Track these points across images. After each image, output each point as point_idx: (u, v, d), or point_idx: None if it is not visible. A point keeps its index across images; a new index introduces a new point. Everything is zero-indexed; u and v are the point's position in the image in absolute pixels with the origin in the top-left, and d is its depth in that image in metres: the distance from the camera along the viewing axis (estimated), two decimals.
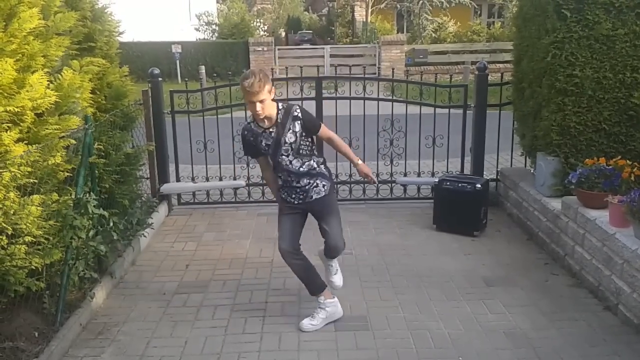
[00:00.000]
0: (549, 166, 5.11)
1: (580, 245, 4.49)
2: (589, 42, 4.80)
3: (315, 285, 4.04)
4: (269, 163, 3.97)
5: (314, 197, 3.89)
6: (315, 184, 3.88)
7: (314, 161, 3.89)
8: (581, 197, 4.53)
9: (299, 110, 3.82)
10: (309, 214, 4.01)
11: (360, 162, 4.03)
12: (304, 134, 3.82)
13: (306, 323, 3.94)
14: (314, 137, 3.94)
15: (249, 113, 3.86)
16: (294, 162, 3.82)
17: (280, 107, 3.82)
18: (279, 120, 3.78)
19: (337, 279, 4.20)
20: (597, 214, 4.32)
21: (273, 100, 3.76)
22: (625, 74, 4.79)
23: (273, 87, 3.72)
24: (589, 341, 3.68)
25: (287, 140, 3.77)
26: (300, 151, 3.83)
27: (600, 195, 4.32)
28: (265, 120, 3.77)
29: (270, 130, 3.79)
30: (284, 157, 3.81)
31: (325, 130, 3.97)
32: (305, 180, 3.86)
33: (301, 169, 3.83)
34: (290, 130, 3.78)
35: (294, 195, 3.91)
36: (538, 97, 5.21)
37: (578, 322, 3.92)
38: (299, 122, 3.79)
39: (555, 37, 4.84)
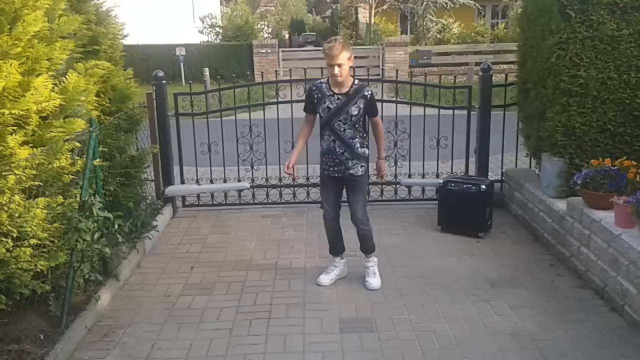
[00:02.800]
0: (554, 167, 5.10)
1: (585, 246, 4.47)
2: (593, 43, 4.78)
3: (337, 247, 4.70)
4: (312, 124, 4.51)
5: (351, 172, 4.39)
6: (355, 164, 4.38)
7: (359, 139, 4.38)
8: (586, 198, 4.52)
9: (369, 92, 4.33)
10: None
11: (383, 158, 4.63)
12: (365, 113, 4.35)
13: (322, 277, 4.64)
14: (370, 120, 4.49)
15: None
16: (347, 131, 4.32)
17: (356, 82, 4.33)
18: (350, 92, 4.27)
19: (373, 281, 4.57)
20: (602, 214, 4.30)
21: (352, 75, 4.36)
22: (630, 75, 4.78)
23: (352, 56, 4.22)
24: (596, 342, 3.67)
25: (350, 111, 4.28)
26: (357, 126, 4.34)
27: (605, 196, 4.30)
28: (337, 88, 4.27)
29: (339, 97, 4.27)
30: (340, 123, 4.30)
31: (378, 121, 4.51)
32: (347, 155, 4.35)
33: (350, 140, 4.33)
34: (356, 105, 4.28)
35: (335, 168, 4.40)
36: (543, 98, 5.20)
37: (584, 324, 3.91)
38: (364, 101, 4.29)
39: (559, 37, 4.83)
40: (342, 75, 4.18)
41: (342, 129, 4.30)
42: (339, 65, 4.11)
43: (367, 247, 4.63)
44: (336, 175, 4.42)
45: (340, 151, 4.34)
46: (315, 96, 4.36)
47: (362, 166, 4.41)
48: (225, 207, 6.65)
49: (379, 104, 6.39)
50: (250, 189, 6.66)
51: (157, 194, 6.36)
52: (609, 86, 4.82)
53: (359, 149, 4.37)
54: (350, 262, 5.00)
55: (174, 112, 6.43)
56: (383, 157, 4.62)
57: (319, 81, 4.41)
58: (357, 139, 4.35)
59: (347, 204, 4.55)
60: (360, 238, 4.61)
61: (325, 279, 4.63)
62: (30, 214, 3.31)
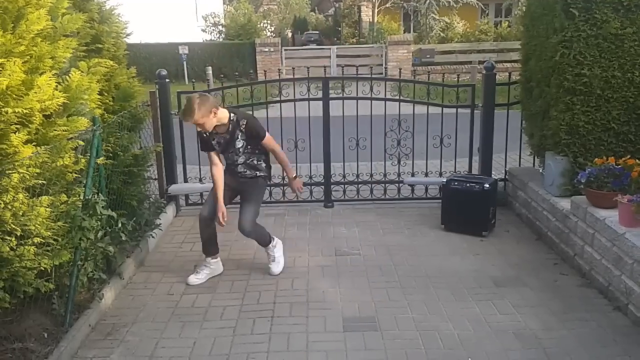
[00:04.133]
0: (557, 166, 5.09)
1: (589, 245, 4.46)
2: (597, 41, 4.77)
3: (208, 249, 4.77)
4: (218, 160, 4.67)
5: (249, 176, 4.66)
6: (251, 173, 4.67)
7: (257, 158, 4.66)
8: (590, 196, 4.50)
9: (244, 124, 4.50)
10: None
11: (293, 177, 4.87)
12: (250, 141, 4.55)
13: (192, 277, 4.68)
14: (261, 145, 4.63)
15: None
16: (239, 159, 4.61)
17: (232, 117, 4.49)
18: (230, 129, 4.49)
19: (275, 267, 4.82)
20: (606, 213, 4.29)
21: (223, 111, 4.46)
22: (634, 73, 4.77)
23: (214, 109, 4.32)
24: (600, 341, 3.66)
25: (236, 145, 4.54)
26: (246, 151, 4.60)
27: (609, 195, 4.29)
28: (217, 129, 4.46)
29: (223, 136, 4.51)
30: (232, 154, 4.60)
31: (268, 143, 4.64)
32: (242, 169, 4.65)
33: (247, 162, 4.63)
34: (238, 139, 4.52)
35: (233, 176, 4.67)
36: (546, 97, 5.19)
37: (588, 323, 3.90)
38: (242, 133, 4.50)
39: (563, 36, 4.82)
40: (208, 128, 4.39)
41: (235, 159, 4.61)
42: (200, 125, 4.34)
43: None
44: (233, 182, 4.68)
45: (241, 171, 4.66)
46: (204, 135, 4.54)
47: (257, 174, 4.70)
48: (228, 205, 6.61)
49: (381, 103, 6.47)
50: None
51: (160, 193, 6.36)
52: (612, 85, 4.81)
53: (258, 164, 4.69)
54: (353, 260, 5.02)
55: (177, 111, 6.43)
56: (292, 175, 4.88)
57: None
58: (251, 159, 4.65)
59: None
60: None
61: (194, 278, 4.70)
62: (34, 212, 3.32)
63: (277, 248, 4.87)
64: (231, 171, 4.69)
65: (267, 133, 4.63)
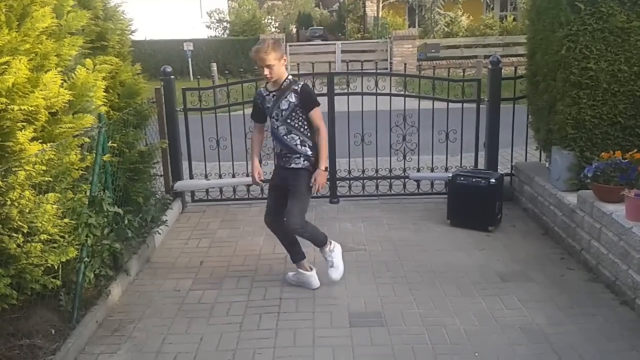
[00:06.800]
0: (564, 160, 5.07)
1: (596, 240, 4.45)
2: (603, 35, 4.75)
3: (295, 255, 4.53)
4: (262, 131, 4.51)
5: (291, 165, 4.24)
6: (296, 157, 4.23)
7: (299, 138, 4.22)
8: (597, 191, 4.49)
9: (300, 85, 4.20)
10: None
11: (323, 169, 4.24)
12: (298, 107, 4.16)
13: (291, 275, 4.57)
14: (308, 117, 4.21)
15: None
16: (280, 128, 4.21)
17: (290, 78, 4.21)
18: (282, 87, 4.16)
19: (333, 273, 4.48)
20: (613, 208, 4.27)
21: (288, 72, 4.24)
22: None
23: (284, 56, 4.17)
24: (607, 336, 3.65)
25: (280, 106, 4.17)
26: (289, 121, 4.18)
27: (616, 189, 4.27)
28: (272, 86, 4.19)
29: (274, 94, 4.20)
30: (274, 119, 4.23)
31: (316, 116, 4.21)
32: (285, 152, 4.25)
33: (285, 137, 4.21)
34: (286, 99, 4.15)
35: (278, 160, 4.39)
36: (552, 91, 5.16)
37: (595, 317, 3.89)
38: (296, 94, 4.14)
39: (569, 30, 4.80)
40: (273, 76, 4.09)
41: (276, 127, 4.22)
42: (269, 67, 4.03)
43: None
44: (281, 165, 4.34)
45: (278, 150, 4.33)
46: (259, 103, 4.32)
47: (304, 161, 4.22)
48: (234, 201, 6.66)
49: (387, 98, 6.46)
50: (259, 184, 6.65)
51: (166, 189, 6.38)
52: (619, 78, 4.78)
53: (299, 147, 4.21)
54: (359, 256, 5.02)
55: (182, 107, 6.44)
56: (322, 166, 4.22)
57: (260, 89, 4.38)
58: (293, 135, 4.20)
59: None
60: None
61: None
62: (41, 209, 3.33)
63: (336, 252, 4.49)
64: (278, 157, 4.37)
65: (318, 106, 4.24)
